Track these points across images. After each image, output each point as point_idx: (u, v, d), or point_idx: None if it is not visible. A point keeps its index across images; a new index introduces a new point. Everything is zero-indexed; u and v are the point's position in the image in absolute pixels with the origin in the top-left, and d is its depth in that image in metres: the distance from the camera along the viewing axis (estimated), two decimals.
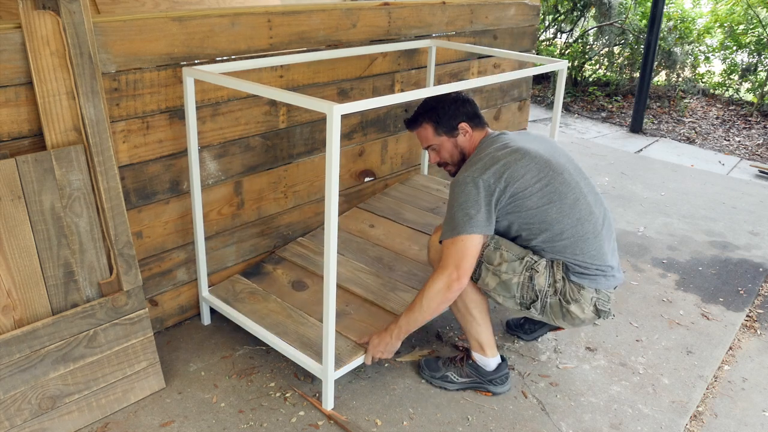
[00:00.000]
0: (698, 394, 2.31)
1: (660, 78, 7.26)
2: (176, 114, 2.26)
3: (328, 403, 2.11)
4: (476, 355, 2.21)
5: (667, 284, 3.07)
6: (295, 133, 2.71)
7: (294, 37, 2.55)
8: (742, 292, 3.03)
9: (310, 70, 2.67)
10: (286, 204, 2.78)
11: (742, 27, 6.81)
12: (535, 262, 2.01)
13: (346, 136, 2.98)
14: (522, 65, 3.90)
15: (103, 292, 2.00)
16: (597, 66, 7.47)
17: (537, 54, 5.82)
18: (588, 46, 7.32)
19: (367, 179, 3.18)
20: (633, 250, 3.40)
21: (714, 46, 7.08)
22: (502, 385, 2.22)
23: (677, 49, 6.67)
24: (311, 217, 2.92)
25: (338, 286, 2.50)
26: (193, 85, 2.14)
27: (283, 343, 2.21)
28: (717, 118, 6.38)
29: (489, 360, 2.20)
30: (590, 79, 7.36)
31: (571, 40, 7.54)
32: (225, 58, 2.34)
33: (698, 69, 7.11)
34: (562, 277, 2.00)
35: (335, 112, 1.71)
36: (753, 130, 6.02)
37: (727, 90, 6.95)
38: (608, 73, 7.34)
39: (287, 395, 2.18)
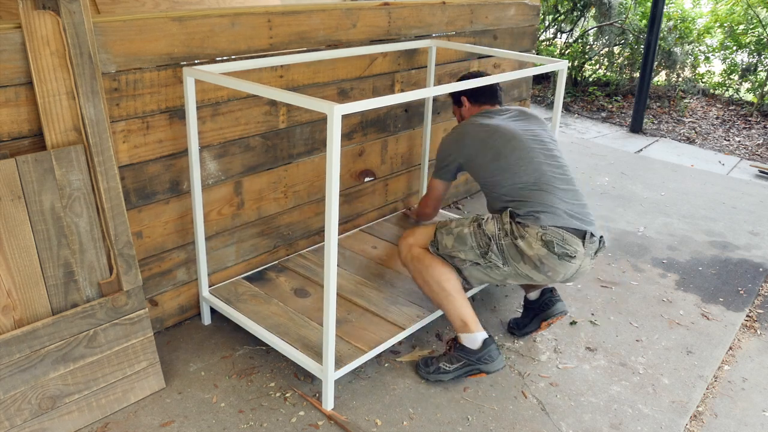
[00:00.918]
0: (698, 394, 2.32)
1: (660, 78, 7.26)
2: (176, 114, 2.26)
3: (328, 403, 2.11)
4: (462, 336, 2.25)
5: (667, 284, 3.07)
6: (295, 133, 2.71)
7: (294, 37, 2.55)
8: (742, 292, 3.03)
9: (310, 70, 2.67)
10: (286, 204, 2.78)
11: (742, 27, 6.81)
12: (481, 217, 2.32)
13: (346, 136, 2.98)
14: (522, 65, 3.90)
15: (103, 292, 2.00)
16: (597, 66, 7.47)
17: (537, 54, 5.82)
18: (588, 46, 7.32)
19: (367, 179, 3.18)
20: (633, 250, 3.40)
21: (714, 46, 7.07)
22: (492, 362, 2.22)
23: (677, 49, 6.67)
24: (311, 217, 2.92)
25: (341, 297, 2.51)
26: (193, 85, 2.14)
27: (283, 344, 2.21)
28: (717, 118, 6.38)
29: (475, 335, 2.23)
30: (590, 79, 7.35)
31: (571, 40, 7.54)
32: (225, 58, 2.34)
33: (698, 69, 7.11)
34: (509, 221, 2.25)
35: (336, 113, 1.71)
36: (753, 130, 6.02)
37: (727, 90, 6.95)
38: (608, 73, 7.34)
39: (287, 395, 2.18)
